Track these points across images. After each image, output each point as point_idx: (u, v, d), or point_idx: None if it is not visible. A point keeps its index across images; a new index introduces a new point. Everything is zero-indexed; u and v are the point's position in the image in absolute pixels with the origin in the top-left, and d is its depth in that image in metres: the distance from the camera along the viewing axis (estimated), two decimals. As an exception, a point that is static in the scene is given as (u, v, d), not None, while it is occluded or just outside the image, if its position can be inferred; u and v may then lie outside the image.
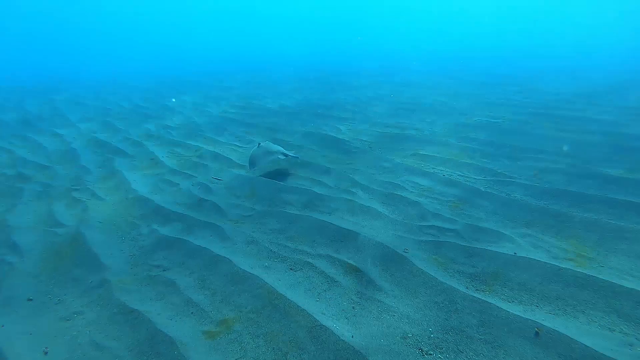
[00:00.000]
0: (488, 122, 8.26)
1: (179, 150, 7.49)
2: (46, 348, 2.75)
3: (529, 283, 3.13)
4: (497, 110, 9.47)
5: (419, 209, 4.56)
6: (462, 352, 2.52)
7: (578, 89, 11.44)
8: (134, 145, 7.97)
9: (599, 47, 24.28)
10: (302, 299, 3.08)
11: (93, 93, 15.81)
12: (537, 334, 2.56)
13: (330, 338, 2.63)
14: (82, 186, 5.81)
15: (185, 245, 3.99)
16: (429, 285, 3.17)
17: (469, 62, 20.87)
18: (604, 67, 15.98)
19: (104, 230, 4.46)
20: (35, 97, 15.06)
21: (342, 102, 11.64)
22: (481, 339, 2.60)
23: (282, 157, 5.78)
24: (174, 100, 10.33)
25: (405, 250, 3.66)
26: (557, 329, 2.56)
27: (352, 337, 2.66)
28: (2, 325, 2.98)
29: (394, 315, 2.90)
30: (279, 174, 5.92)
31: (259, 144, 5.99)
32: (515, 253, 3.51)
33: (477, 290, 3.12)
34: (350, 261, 3.56)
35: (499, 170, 5.58)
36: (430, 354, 2.53)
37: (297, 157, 6.15)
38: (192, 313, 3.03)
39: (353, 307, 3.01)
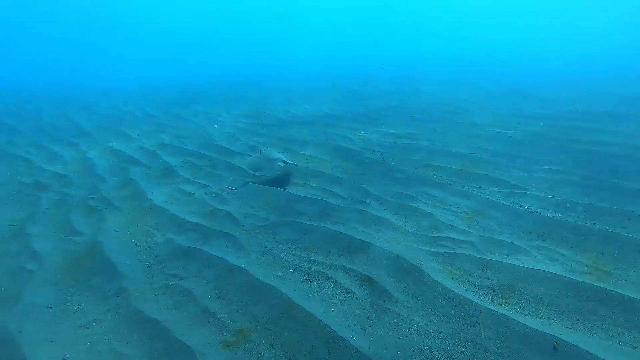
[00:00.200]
0: (501, 133, 8.24)
1: (193, 160, 7.59)
2: (66, 355, 2.79)
3: (545, 296, 3.11)
4: (509, 120, 9.45)
5: (432, 220, 4.56)
6: (480, 366, 2.51)
7: (596, 102, 11.36)
8: (148, 154, 8.10)
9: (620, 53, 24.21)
10: (318, 309, 3.09)
11: (106, 101, 16.12)
12: (555, 348, 2.54)
13: (348, 349, 2.64)
14: (98, 195, 5.91)
15: (200, 255, 4.04)
16: (445, 297, 3.17)
17: (488, 69, 20.96)
18: (624, 77, 15.92)
19: (120, 239, 4.53)
20: (50, 106, 15.38)
21: (353, 111, 11.72)
22: (498, 352, 2.59)
23: (282, 164, 6.13)
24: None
25: (420, 262, 3.66)
26: (576, 343, 2.54)
27: (369, 348, 2.67)
28: (20, 331, 3.03)
29: (409, 327, 2.89)
30: (291, 184, 5.98)
31: (261, 150, 6.40)
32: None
33: (493, 302, 3.11)
34: (365, 272, 3.57)
35: (512, 182, 5.56)
36: (448, 367, 2.52)
37: (296, 165, 6.52)
38: (209, 322, 3.06)
39: (368, 318, 3.01)
